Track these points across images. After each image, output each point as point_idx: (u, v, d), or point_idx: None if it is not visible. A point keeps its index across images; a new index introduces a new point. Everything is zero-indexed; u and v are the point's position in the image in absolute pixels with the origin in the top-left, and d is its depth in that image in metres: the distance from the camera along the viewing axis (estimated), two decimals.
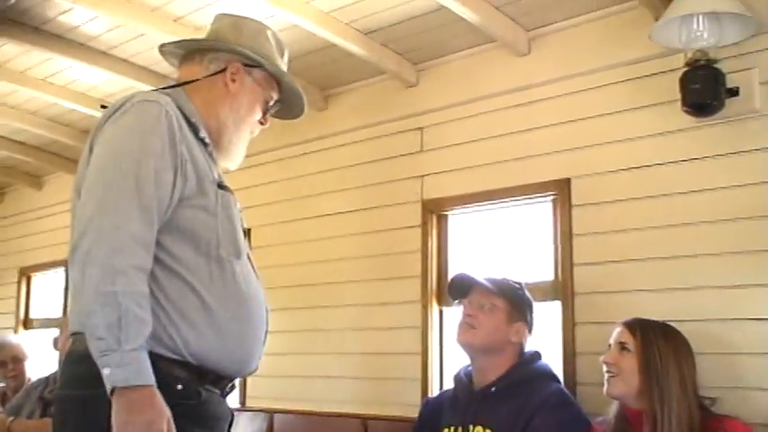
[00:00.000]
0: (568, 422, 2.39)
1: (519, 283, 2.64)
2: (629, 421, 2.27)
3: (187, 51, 1.94)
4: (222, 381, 1.77)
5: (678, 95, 2.48)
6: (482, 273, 2.66)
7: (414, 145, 3.35)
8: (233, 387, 1.85)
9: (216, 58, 1.89)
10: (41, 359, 4.18)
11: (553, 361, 2.65)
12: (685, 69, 2.46)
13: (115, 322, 1.49)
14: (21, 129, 4.43)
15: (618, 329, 2.33)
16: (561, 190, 2.84)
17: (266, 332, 1.85)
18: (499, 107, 3.07)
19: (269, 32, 1.98)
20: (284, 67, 1.99)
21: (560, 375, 2.64)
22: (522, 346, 2.58)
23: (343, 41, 3.07)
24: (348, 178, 3.56)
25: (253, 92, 1.92)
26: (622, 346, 2.28)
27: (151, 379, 1.52)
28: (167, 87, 1.86)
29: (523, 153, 2.97)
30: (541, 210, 2.96)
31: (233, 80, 1.88)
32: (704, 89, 2.43)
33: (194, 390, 1.67)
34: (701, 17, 2.41)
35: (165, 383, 1.56)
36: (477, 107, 3.14)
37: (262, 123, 1.98)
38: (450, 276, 2.86)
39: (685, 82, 2.46)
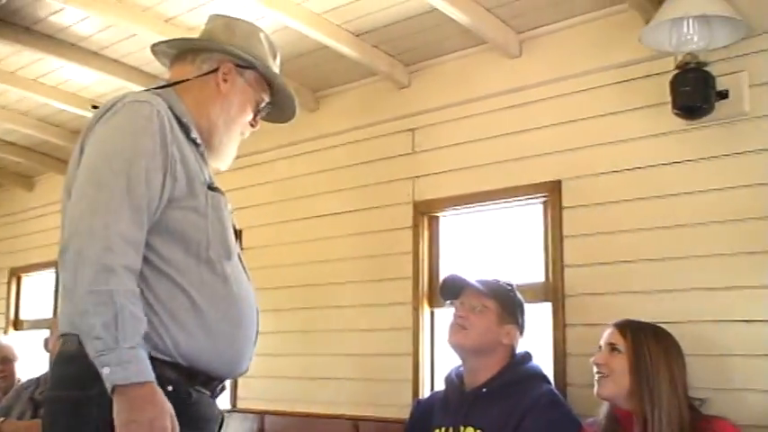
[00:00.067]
0: (559, 423, 2.40)
1: (510, 285, 2.64)
2: (620, 422, 2.27)
3: (179, 51, 1.94)
4: (213, 382, 1.77)
5: (668, 98, 2.49)
6: (473, 274, 2.66)
7: (406, 146, 3.35)
8: (223, 388, 1.85)
9: (208, 58, 1.89)
10: (32, 360, 4.17)
11: (544, 362, 2.66)
12: (675, 72, 2.47)
13: (111, 321, 1.49)
14: (11, 129, 4.42)
15: (608, 331, 2.33)
16: (552, 192, 2.85)
17: (257, 333, 1.85)
18: (491, 109, 3.08)
19: (262, 35, 1.98)
20: (276, 70, 1.99)
21: (551, 376, 2.64)
22: (513, 348, 2.59)
23: (335, 43, 3.07)
24: (340, 179, 3.56)
25: (244, 93, 1.92)
26: (613, 348, 2.29)
27: (151, 375, 1.52)
28: (158, 87, 1.86)
29: (515, 155, 2.97)
30: (532, 211, 2.97)
31: (225, 80, 1.88)
32: (694, 92, 2.44)
33: (185, 391, 1.66)
34: (691, 20, 2.42)
35: None
36: (469, 109, 3.15)
37: (252, 125, 1.98)
38: (441, 278, 2.86)
39: (675, 85, 2.47)
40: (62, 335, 1.67)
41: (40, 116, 4.25)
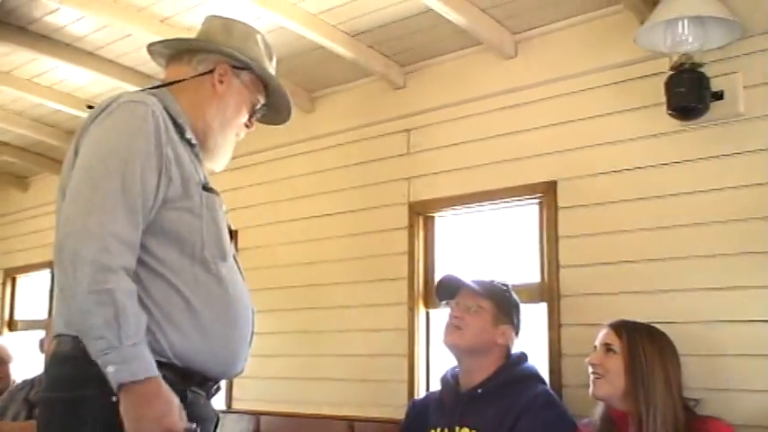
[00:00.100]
0: (554, 423, 2.40)
1: (505, 285, 2.65)
2: (615, 422, 2.28)
3: (175, 51, 1.94)
4: (208, 382, 1.77)
5: (663, 99, 2.50)
6: (469, 274, 2.67)
7: (401, 147, 3.35)
8: (218, 389, 1.84)
9: (205, 59, 1.89)
10: (26, 361, 4.16)
11: (539, 362, 2.67)
12: (670, 73, 2.48)
13: (113, 319, 1.49)
14: (6, 129, 4.40)
15: (603, 331, 2.34)
16: (547, 192, 2.85)
17: (252, 334, 1.85)
18: (486, 110, 3.08)
19: (258, 36, 1.98)
20: (272, 71, 1.99)
21: (546, 377, 2.65)
22: (508, 348, 2.59)
23: (330, 43, 3.07)
24: (335, 180, 3.56)
25: (240, 94, 1.92)
26: (608, 348, 2.29)
27: (156, 371, 1.53)
28: (154, 87, 1.86)
29: (510, 155, 2.98)
30: (528, 212, 2.97)
31: (221, 81, 1.88)
32: (689, 93, 2.44)
33: (180, 392, 1.66)
34: (686, 21, 2.43)
35: None
36: (465, 109, 3.15)
37: (247, 126, 1.98)
38: (436, 278, 2.86)
39: (670, 85, 2.47)
40: (57, 335, 1.67)
41: (34, 116, 4.24)
